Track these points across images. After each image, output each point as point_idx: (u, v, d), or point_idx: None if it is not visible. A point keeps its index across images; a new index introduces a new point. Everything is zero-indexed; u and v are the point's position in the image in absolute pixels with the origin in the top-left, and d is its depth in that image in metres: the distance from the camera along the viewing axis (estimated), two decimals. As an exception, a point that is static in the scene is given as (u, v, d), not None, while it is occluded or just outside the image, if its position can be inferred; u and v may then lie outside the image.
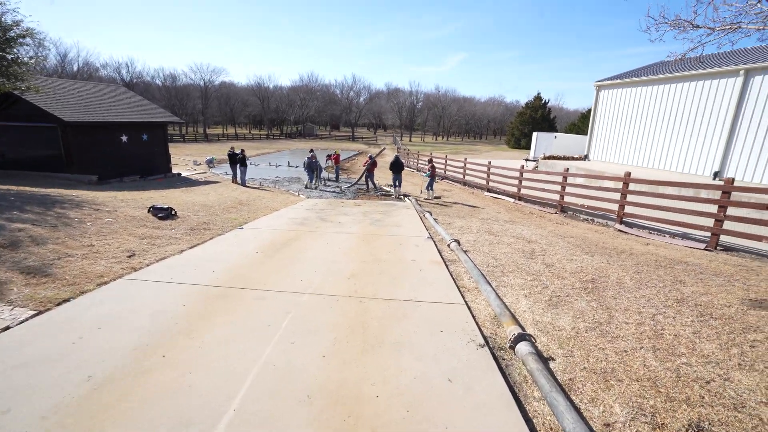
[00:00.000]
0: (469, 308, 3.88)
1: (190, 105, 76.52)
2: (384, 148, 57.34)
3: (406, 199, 13.99)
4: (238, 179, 16.01)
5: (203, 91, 77.82)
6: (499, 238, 7.72)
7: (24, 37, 11.32)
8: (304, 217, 8.78)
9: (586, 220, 11.73)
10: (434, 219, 9.32)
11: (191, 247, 5.61)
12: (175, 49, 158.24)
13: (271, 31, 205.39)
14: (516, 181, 15.07)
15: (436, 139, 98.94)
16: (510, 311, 3.74)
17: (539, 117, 62.81)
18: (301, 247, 6.01)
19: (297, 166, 24.98)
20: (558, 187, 12.86)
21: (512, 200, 15.12)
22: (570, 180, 13.30)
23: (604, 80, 21.52)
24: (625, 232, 9.90)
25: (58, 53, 53.48)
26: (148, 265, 4.56)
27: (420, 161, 27.69)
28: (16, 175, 14.13)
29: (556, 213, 12.68)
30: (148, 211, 7.41)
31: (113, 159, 15.96)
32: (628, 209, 10.34)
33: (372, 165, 16.50)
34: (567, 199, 12.57)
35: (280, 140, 73.76)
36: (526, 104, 65.79)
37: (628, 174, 10.29)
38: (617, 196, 10.69)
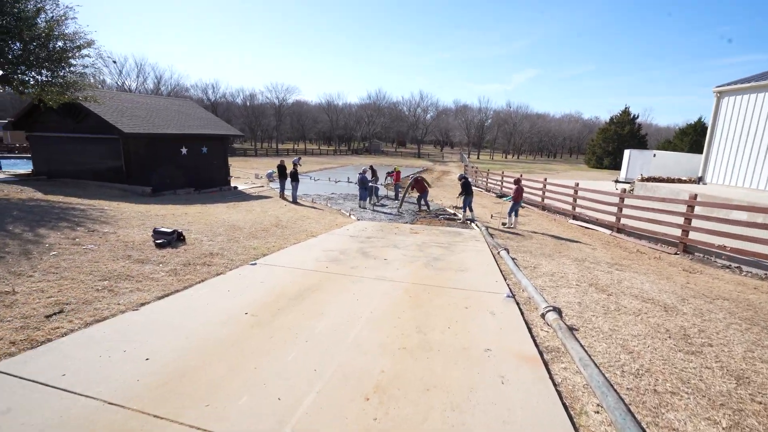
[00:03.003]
0: None
1: (265, 122, 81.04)
2: (426, 169, 55.04)
3: (474, 225, 11.63)
4: (288, 195, 14.86)
5: (277, 109, 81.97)
6: (616, 299, 5.16)
7: (82, 48, 11.19)
8: (341, 249, 6.92)
9: (727, 267, 8.47)
10: (513, 259, 6.93)
11: (162, 297, 3.98)
12: (254, 68, 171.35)
13: (341, 49, 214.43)
14: (613, 208, 11.98)
15: (506, 158, 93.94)
16: None
17: (626, 133, 56.19)
18: (316, 306, 4.09)
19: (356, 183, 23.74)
20: (677, 219, 9.72)
21: (608, 232, 12.04)
22: (699, 210, 10.05)
23: (727, 85, 17.36)
24: (809, 295, 6.62)
25: (156, 76, 59.39)
26: (65, 334, 2.95)
27: (490, 180, 24.97)
28: (77, 185, 14.29)
29: (677, 254, 9.51)
30: (152, 235, 6.09)
31: (171, 171, 15.72)
32: (808, 259, 7.07)
33: (418, 184, 14.43)
34: (694, 235, 9.36)
35: (347, 156, 74.70)
36: (611, 119, 59.33)
37: (811, 207, 7.03)
38: (784, 237, 7.46)
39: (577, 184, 14.40)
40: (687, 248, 9.50)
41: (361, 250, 6.97)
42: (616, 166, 56.26)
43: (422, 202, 14.72)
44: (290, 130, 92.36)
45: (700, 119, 54.26)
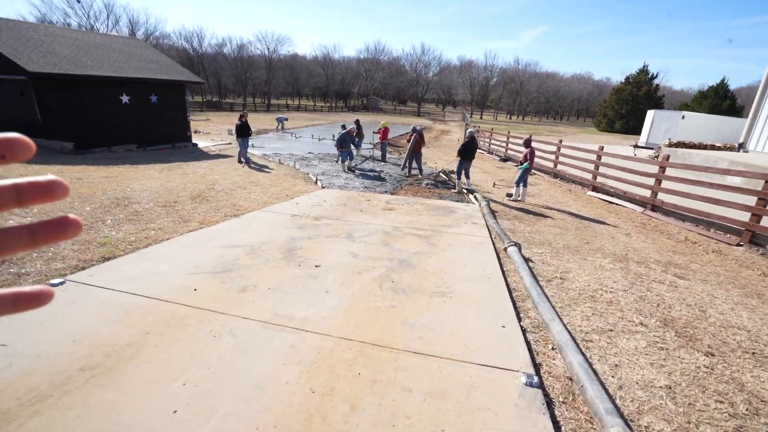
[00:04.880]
0: None
1: (256, 75, 75.72)
2: (424, 128, 51.56)
3: (472, 198, 9.09)
4: (242, 156, 12.06)
5: (268, 61, 76.39)
6: (730, 371, 2.71)
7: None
8: (257, 244, 4.39)
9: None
10: (527, 262, 4.43)
11: None
12: (241, 15, 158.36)
13: (336, 2, 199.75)
14: (648, 180, 9.38)
15: (510, 118, 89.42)
16: None
17: (643, 95, 52.13)
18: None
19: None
20: (748, 199, 7.22)
21: (639, 209, 9.52)
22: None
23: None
24: None
25: (129, 20, 53.92)
26: None
27: (493, 141, 22.08)
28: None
29: (740, 245, 7.04)
30: None
31: (105, 123, 12.88)
32: None
33: (417, 140, 11.61)
34: (770, 222, 6.90)
35: (343, 113, 70.47)
36: (627, 79, 54.90)
37: None
38: None
39: (602, 148, 11.67)
40: (755, 238, 7.02)
41: (290, 244, 4.44)
42: (629, 130, 52.64)
43: (413, 164, 12.02)
44: (284, 85, 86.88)
45: (723, 81, 50.15)
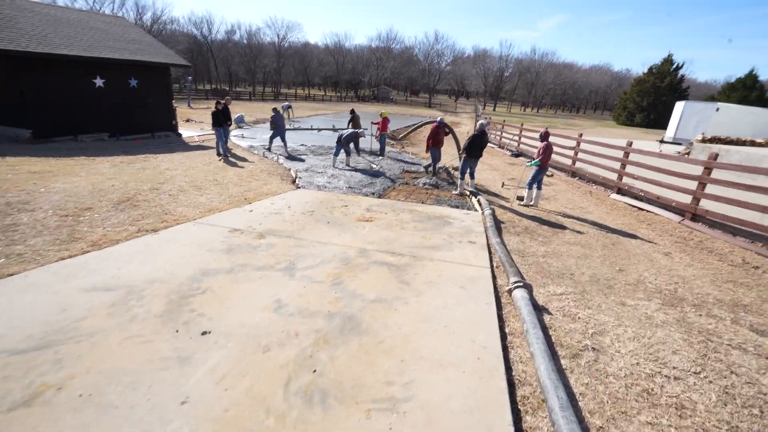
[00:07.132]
0: None
1: (265, 62, 74.23)
2: (433, 121, 49.59)
3: (475, 202, 7.61)
4: (220, 147, 10.67)
5: (278, 49, 74.86)
6: None
7: None
8: (138, 286, 3.02)
9: None
10: (543, 328, 2.98)
11: None
12: (253, 2, 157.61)
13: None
14: (687, 183, 7.74)
15: (525, 111, 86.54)
16: None
17: (665, 86, 49.27)
18: None
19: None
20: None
21: (675, 218, 7.91)
22: None
23: None
24: None
25: (137, 4, 52.89)
26: None
27: (504, 134, 20.33)
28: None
29: (818, 273, 5.43)
30: None
31: (73, 109, 11.63)
32: None
33: (438, 133, 9.77)
34: None
35: (352, 103, 68.74)
36: (650, 69, 51.89)
37: None
38: None
39: (630, 144, 10.00)
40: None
41: (191, 285, 3.04)
42: (650, 123, 49.87)
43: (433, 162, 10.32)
44: (293, 73, 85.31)
45: (752, 72, 47.17)
